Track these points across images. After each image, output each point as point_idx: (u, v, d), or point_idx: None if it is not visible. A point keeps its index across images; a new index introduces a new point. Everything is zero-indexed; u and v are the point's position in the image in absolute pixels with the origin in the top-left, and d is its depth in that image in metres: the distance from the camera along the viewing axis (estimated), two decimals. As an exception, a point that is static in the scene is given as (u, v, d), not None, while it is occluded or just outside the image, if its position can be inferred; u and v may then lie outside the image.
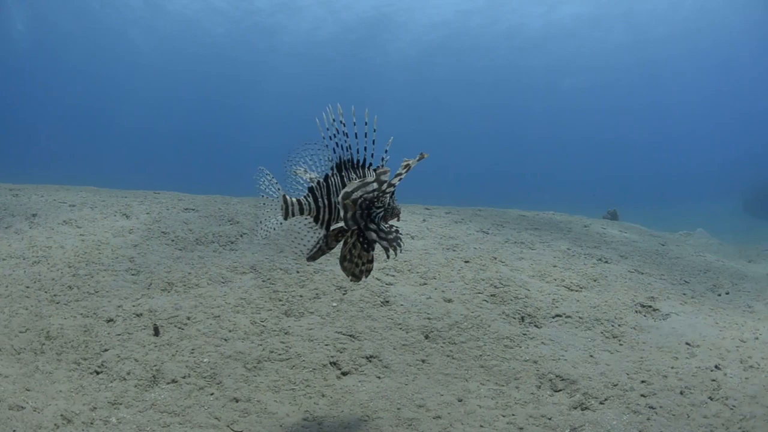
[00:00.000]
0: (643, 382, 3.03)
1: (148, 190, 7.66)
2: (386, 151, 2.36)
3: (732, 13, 29.92)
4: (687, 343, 3.53)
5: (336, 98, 2.43)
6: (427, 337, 3.42)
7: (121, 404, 2.63)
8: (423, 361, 3.16)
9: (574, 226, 7.33)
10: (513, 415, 2.70)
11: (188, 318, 3.42)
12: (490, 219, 6.98)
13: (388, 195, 2.34)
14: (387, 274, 4.25)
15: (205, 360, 3.00)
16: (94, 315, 3.43)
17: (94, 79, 43.37)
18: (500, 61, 38.10)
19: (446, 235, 5.59)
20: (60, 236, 4.72)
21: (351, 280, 2.42)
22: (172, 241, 4.79)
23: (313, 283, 3.97)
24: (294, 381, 2.88)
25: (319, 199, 2.37)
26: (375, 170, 2.33)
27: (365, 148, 2.35)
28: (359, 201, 2.28)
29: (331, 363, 3.06)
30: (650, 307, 4.10)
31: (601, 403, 2.83)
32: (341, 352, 3.16)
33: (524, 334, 3.53)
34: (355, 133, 2.33)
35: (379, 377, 2.98)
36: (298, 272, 4.14)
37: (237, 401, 2.69)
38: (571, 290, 4.34)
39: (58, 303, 3.57)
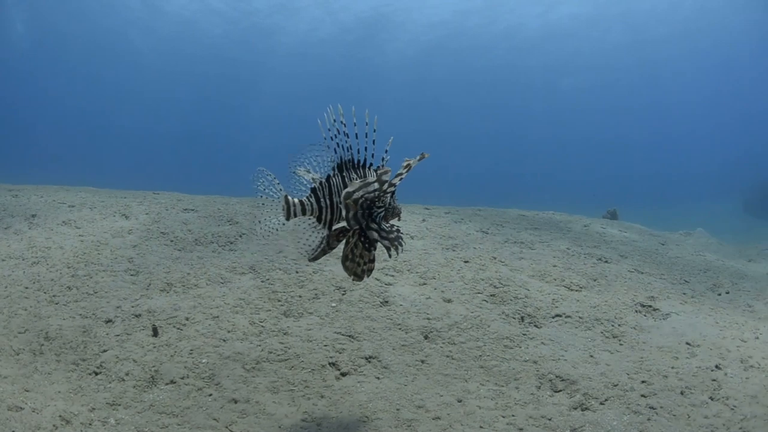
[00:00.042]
0: (643, 382, 3.02)
1: (147, 190, 7.65)
2: (386, 151, 2.37)
3: (732, 13, 29.93)
4: (687, 343, 3.52)
5: (335, 98, 2.44)
6: (426, 337, 3.41)
7: (119, 405, 2.63)
8: (422, 361, 3.15)
9: (574, 225, 7.32)
10: (513, 415, 2.69)
11: (187, 318, 3.41)
12: (489, 219, 6.97)
13: (389, 195, 2.35)
14: (386, 274, 4.24)
15: (203, 361, 3.00)
16: (93, 316, 3.42)
17: (94, 80, 43.40)
18: (499, 61, 38.13)
19: (446, 235, 5.58)
20: (59, 237, 4.72)
21: (353, 280, 2.42)
22: (171, 241, 4.78)
23: (312, 284, 3.96)
24: (293, 382, 2.87)
25: (322, 200, 2.37)
26: (376, 170, 2.34)
27: (365, 149, 2.37)
28: (360, 201, 2.29)
29: (330, 364, 3.05)
30: (650, 306, 4.10)
31: (601, 403, 2.82)
32: (340, 353, 3.15)
33: (524, 334, 3.52)
34: (356, 134, 2.34)
35: (378, 378, 2.97)
36: (297, 272, 4.14)
37: (236, 402, 2.68)
38: (571, 290, 4.34)
39: (57, 304, 3.56)
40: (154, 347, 3.10)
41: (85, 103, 45.86)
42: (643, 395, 2.89)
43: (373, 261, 2.42)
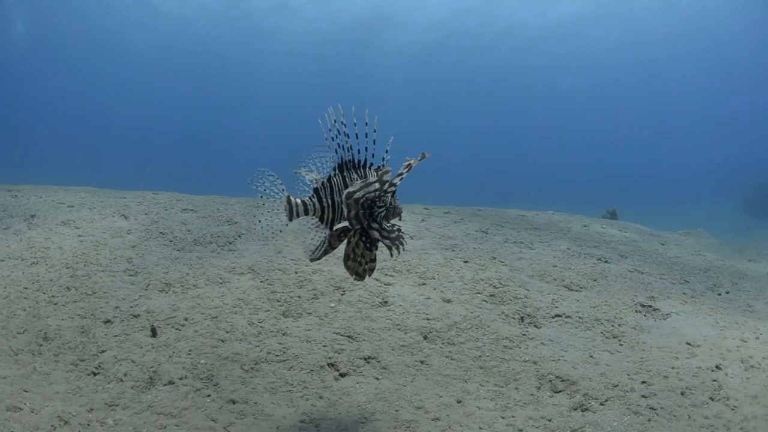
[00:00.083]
0: (643, 382, 3.01)
1: (147, 190, 7.64)
2: (387, 151, 2.38)
3: (732, 13, 29.92)
4: (687, 343, 3.51)
5: (335, 98, 2.44)
6: (425, 337, 3.40)
7: (117, 406, 2.62)
8: (422, 362, 3.14)
9: (574, 225, 7.32)
10: (512, 416, 2.68)
11: (186, 319, 3.40)
12: (489, 219, 6.96)
13: (389, 194, 2.36)
14: (386, 275, 4.23)
15: (202, 361, 2.99)
16: (91, 316, 3.41)
17: (93, 80, 43.40)
18: (499, 60, 38.11)
19: (445, 235, 5.58)
20: (58, 237, 4.71)
21: (354, 279, 2.44)
22: (171, 241, 4.77)
23: (311, 284, 3.95)
24: (291, 383, 2.86)
25: (324, 200, 2.38)
26: (377, 170, 2.34)
27: (366, 148, 2.37)
28: (361, 201, 2.30)
29: (328, 364, 3.04)
30: (650, 306, 4.09)
31: (601, 404, 2.81)
32: (339, 354, 3.14)
33: (524, 335, 3.51)
34: (356, 134, 2.35)
35: (377, 378, 2.96)
36: (296, 273, 4.13)
37: (234, 403, 2.67)
38: (571, 290, 4.33)
39: (56, 304, 3.55)
40: (153, 348, 3.09)
41: (85, 103, 45.89)
42: (643, 396, 2.88)
43: (374, 260, 2.43)
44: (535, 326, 3.67)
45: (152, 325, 3.28)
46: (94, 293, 3.71)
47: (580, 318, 3.80)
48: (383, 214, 2.40)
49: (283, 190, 2.39)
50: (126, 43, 37.26)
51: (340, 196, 2.35)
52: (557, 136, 49.03)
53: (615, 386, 2.96)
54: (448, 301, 3.90)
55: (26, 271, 4.01)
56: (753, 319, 4.03)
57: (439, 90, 44.15)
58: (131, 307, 3.53)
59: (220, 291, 3.80)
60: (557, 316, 3.81)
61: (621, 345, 3.48)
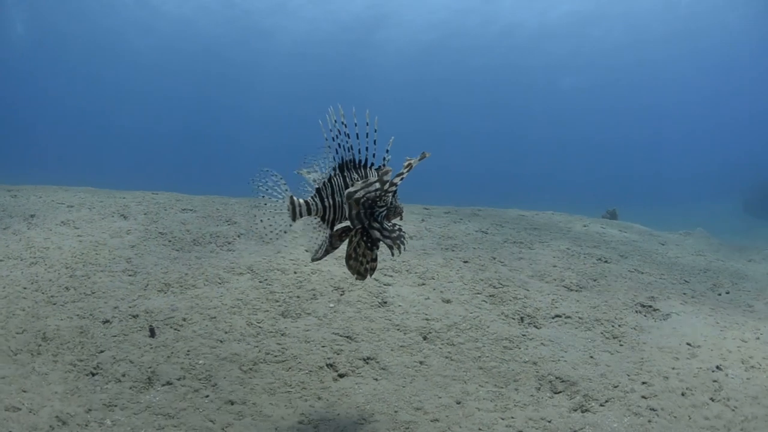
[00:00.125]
0: (644, 383, 3.00)
1: (146, 190, 7.63)
2: (387, 151, 2.38)
3: (732, 12, 29.90)
4: (688, 344, 3.50)
5: (334, 98, 2.44)
6: (425, 338, 3.39)
7: (115, 406, 2.61)
8: (421, 362, 3.13)
9: (574, 225, 7.30)
10: (512, 417, 2.67)
11: (184, 319, 3.39)
12: (489, 219, 6.95)
13: (390, 194, 2.36)
14: (385, 275, 4.22)
15: (200, 362, 2.98)
16: (90, 316, 3.41)
17: (93, 80, 43.40)
18: (498, 60, 38.08)
19: (445, 235, 5.57)
20: (58, 237, 4.70)
21: (356, 278, 2.45)
22: (170, 241, 4.76)
23: (310, 284, 3.94)
24: (290, 383, 2.85)
25: (326, 199, 2.39)
26: (377, 170, 2.35)
27: (366, 149, 2.38)
28: (362, 200, 2.31)
29: (327, 365, 3.03)
30: (650, 307, 4.08)
31: (601, 405, 2.80)
32: (338, 354, 3.13)
33: (523, 335, 3.50)
34: (357, 134, 2.36)
35: (376, 379, 2.95)
36: (295, 273, 4.12)
37: (232, 404, 2.66)
38: (571, 290, 4.32)
39: (55, 304, 3.55)
40: (151, 348, 3.09)
41: (85, 103, 45.88)
42: (643, 396, 2.88)
43: (375, 260, 2.45)
44: (535, 327, 3.66)
45: (151, 326, 3.27)
46: (93, 293, 3.70)
47: (580, 318, 3.79)
48: (384, 213, 2.41)
49: (286, 190, 2.40)
50: (126, 43, 37.27)
51: (341, 196, 2.36)
52: (557, 136, 49.02)
53: (615, 387, 2.95)
54: (448, 301, 3.89)
55: (25, 271, 4.00)
56: (753, 319, 4.02)
57: (438, 90, 44.15)
58: (130, 307, 3.52)
59: (218, 291, 3.79)
60: (557, 316, 3.80)
61: (621, 345, 3.47)
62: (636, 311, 4.00)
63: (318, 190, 2.41)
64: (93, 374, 2.86)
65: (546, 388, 2.96)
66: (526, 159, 49.73)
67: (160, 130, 48.95)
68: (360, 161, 2.40)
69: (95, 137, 47.11)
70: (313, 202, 2.39)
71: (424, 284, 4.14)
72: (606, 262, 5.25)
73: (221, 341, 3.19)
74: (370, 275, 2.45)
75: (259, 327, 3.37)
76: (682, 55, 37.18)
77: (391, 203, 2.43)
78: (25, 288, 3.73)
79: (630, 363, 3.23)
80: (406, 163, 2.23)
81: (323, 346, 3.19)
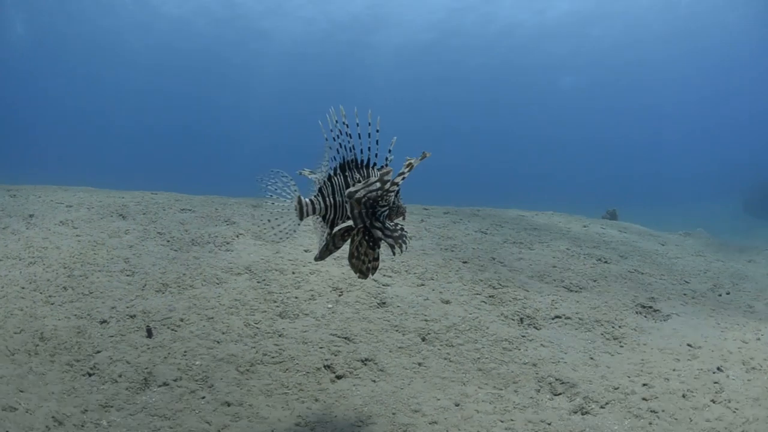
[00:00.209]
0: (644, 385, 2.98)
1: (146, 190, 7.61)
2: (390, 151, 2.39)
3: (732, 12, 29.88)
4: (688, 345, 3.48)
5: (333, 98, 2.45)
6: (424, 339, 3.37)
7: (112, 407, 2.60)
8: (419, 364, 3.11)
9: (573, 226, 7.29)
10: (511, 420, 2.65)
11: (181, 319, 3.37)
12: (488, 219, 6.93)
13: (392, 194, 2.37)
14: (384, 275, 4.20)
15: (197, 363, 2.96)
16: (87, 316, 3.39)
17: (93, 80, 43.41)
18: (498, 59, 38.03)
19: (444, 236, 5.55)
20: (56, 237, 4.68)
21: (358, 277, 2.47)
22: (168, 241, 4.74)
23: (308, 284, 3.92)
24: (287, 385, 2.83)
25: (327, 198, 2.41)
26: (379, 170, 2.35)
27: (369, 148, 2.39)
28: (363, 200, 2.33)
29: (325, 366, 3.01)
30: (651, 307, 4.06)
31: (601, 407, 2.78)
32: (336, 355, 3.11)
33: (523, 336, 3.48)
34: (359, 134, 2.36)
35: (374, 381, 2.93)
36: (293, 273, 4.10)
37: (229, 405, 2.64)
38: (571, 291, 4.30)
39: (52, 304, 3.53)
40: (148, 348, 3.07)
41: (84, 103, 45.90)
42: (644, 398, 2.85)
43: (377, 259, 2.46)
44: (535, 328, 3.64)
45: (148, 326, 3.26)
46: (91, 293, 3.69)
47: (580, 319, 3.77)
48: (386, 213, 2.42)
49: (295, 191, 2.42)
50: (125, 44, 37.28)
51: (342, 195, 2.38)
52: (557, 136, 48.99)
53: (615, 389, 2.93)
54: (447, 302, 3.87)
55: (24, 270, 3.98)
56: (754, 320, 4.00)
57: (437, 89, 44.10)
58: (127, 307, 3.50)
59: (216, 291, 3.77)
60: (557, 317, 3.78)
61: (621, 347, 3.45)
62: (636, 312, 3.99)
63: (320, 189, 2.43)
64: (90, 374, 2.85)
65: (546, 389, 2.94)
66: (526, 159, 49.74)
67: (160, 130, 48.99)
68: (362, 161, 2.41)
69: (95, 137, 47.15)
70: (317, 201, 2.42)
71: (423, 285, 4.12)
72: (606, 262, 5.23)
73: (218, 342, 3.17)
74: (372, 274, 2.46)
75: (257, 328, 3.35)
76: (682, 55, 37.15)
77: (394, 203, 2.44)
78: (23, 288, 3.72)
79: (630, 364, 3.21)
80: (406, 163, 2.24)
81: (321, 347, 3.17)
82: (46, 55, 39.67)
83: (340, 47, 36.62)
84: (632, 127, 47.46)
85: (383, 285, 4.03)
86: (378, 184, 2.25)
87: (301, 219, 2.40)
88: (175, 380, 2.80)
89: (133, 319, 3.36)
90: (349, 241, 2.48)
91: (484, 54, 37.52)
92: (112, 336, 3.18)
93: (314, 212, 2.42)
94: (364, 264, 2.43)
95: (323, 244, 2.48)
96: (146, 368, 2.88)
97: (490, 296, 4.00)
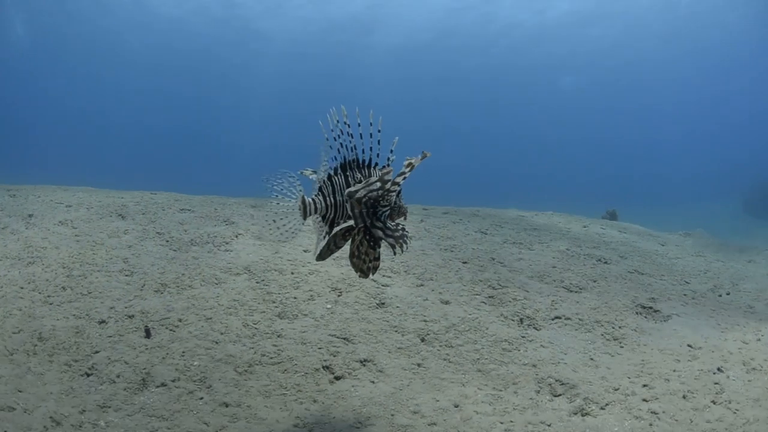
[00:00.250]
0: (644, 386, 2.97)
1: (146, 190, 7.60)
2: (392, 151, 2.39)
3: (732, 12, 29.87)
4: (689, 345, 3.47)
5: (332, 98, 2.46)
6: (423, 340, 3.36)
7: (109, 407, 2.59)
8: (418, 365, 3.10)
9: (573, 226, 7.28)
10: (511, 421, 2.64)
11: (180, 320, 3.36)
12: (488, 219, 6.92)
13: (394, 194, 2.38)
14: (383, 276, 4.19)
15: (195, 363, 2.95)
16: (86, 316, 3.38)
17: (92, 80, 43.43)
18: (497, 59, 38.00)
19: (444, 236, 5.54)
20: (55, 237, 4.67)
21: (359, 276, 2.47)
22: (167, 241, 4.73)
23: (307, 285, 3.91)
24: (285, 385, 2.82)
25: (327, 197, 2.41)
26: (381, 170, 2.36)
27: (371, 148, 2.39)
28: (364, 200, 2.33)
29: (324, 367, 3.00)
30: (651, 308, 4.05)
31: (601, 408, 2.77)
32: (334, 356, 3.10)
33: (523, 337, 3.47)
34: (360, 134, 2.37)
35: (373, 382, 2.92)
36: (292, 273, 4.09)
37: (227, 406, 2.63)
38: (571, 291, 4.29)
39: (51, 304, 3.52)
40: (146, 349, 3.06)
41: (84, 103, 45.91)
42: (644, 399, 2.84)
43: (378, 259, 2.46)
44: (535, 328, 3.63)
45: (146, 326, 3.25)
46: (90, 293, 3.68)
47: (580, 320, 3.76)
48: (387, 213, 2.43)
49: (300, 190, 2.42)
50: (124, 44, 37.29)
51: (342, 195, 2.39)
52: (557, 136, 49.00)
53: (616, 390, 2.92)
54: (447, 302, 3.86)
55: (23, 270, 3.97)
56: (754, 321, 4.00)
57: (437, 89, 44.10)
58: (126, 307, 3.49)
59: (215, 291, 3.76)
60: (557, 317, 3.77)
61: (622, 347, 3.44)
62: (636, 313, 3.97)
63: (319, 189, 2.44)
64: (88, 375, 2.84)
65: (545, 391, 2.93)
66: (526, 159, 49.74)
67: (159, 130, 48.99)
68: (364, 161, 2.41)
69: (94, 137, 47.15)
70: (318, 200, 2.42)
71: (422, 285, 4.11)
72: (606, 263, 5.22)
73: (217, 342, 3.16)
74: (373, 274, 2.47)
75: (255, 328, 3.34)
76: (682, 55, 37.14)
77: (395, 203, 2.44)
78: (22, 288, 3.71)
79: (631, 365, 3.20)
80: (407, 163, 2.23)
81: (320, 348, 3.16)
82: (46, 55, 39.68)
83: (339, 47, 36.62)
84: (632, 127, 47.46)
85: (382, 285, 4.01)
86: (378, 184, 2.25)
87: (305, 218, 2.41)
88: (173, 381, 2.79)
89: (132, 319, 3.35)
90: (350, 240, 2.48)
91: (484, 54, 37.50)
92: (110, 336, 3.17)
93: (316, 211, 2.43)
94: (365, 263, 2.44)
95: (324, 243, 2.48)
96: (144, 369, 2.87)
97: (489, 297, 3.99)
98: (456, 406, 2.74)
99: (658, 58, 37.53)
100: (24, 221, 5.06)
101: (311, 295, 3.77)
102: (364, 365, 3.05)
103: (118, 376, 2.81)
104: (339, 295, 3.79)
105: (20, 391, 2.65)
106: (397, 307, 3.71)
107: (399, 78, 41.82)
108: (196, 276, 3.98)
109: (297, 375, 2.92)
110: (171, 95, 45.82)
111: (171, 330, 3.26)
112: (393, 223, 2.45)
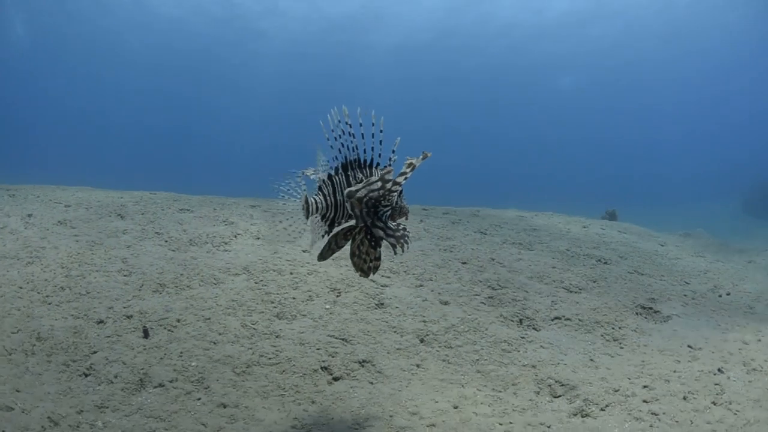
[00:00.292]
0: (645, 387, 2.96)
1: (145, 190, 7.59)
2: (393, 152, 2.39)
3: (732, 12, 29.86)
4: (689, 346, 3.46)
5: (331, 97, 2.46)
6: (422, 340, 3.35)
7: (107, 408, 2.58)
8: (417, 366, 3.09)
9: (573, 226, 7.26)
10: (510, 422, 2.63)
11: (178, 320, 3.35)
12: (488, 219, 6.91)
13: (395, 194, 2.38)
14: (382, 276, 4.18)
15: (193, 364, 2.93)
16: (84, 316, 3.37)
17: (92, 80, 43.41)
18: (496, 59, 37.97)
19: (443, 236, 5.53)
20: (54, 237, 4.66)
21: (360, 275, 2.47)
22: (166, 241, 4.72)
23: (306, 285, 3.90)
24: (283, 386, 2.81)
25: (328, 197, 2.42)
26: (382, 170, 2.35)
27: (372, 149, 2.39)
28: (365, 199, 2.33)
29: (322, 368, 2.99)
30: (651, 309, 4.04)
31: (601, 409, 2.76)
32: (333, 357, 3.08)
33: (522, 338, 3.46)
34: (362, 134, 2.37)
35: (371, 383, 2.91)
36: (291, 274, 4.08)
37: (224, 407, 2.62)
38: (571, 292, 4.28)
39: (50, 304, 3.51)
40: (144, 349, 3.05)
41: (84, 103, 45.88)
42: (644, 401, 2.83)
43: (378, 259, 2.46)
44: (534, 329, 3.62)
45: (144, 326, 3.23)
46: (88, 293, 3.66)
47: (580, 320, 3.75)
48: (389, 213, 2.43)
49: (303, 190, 2.43)
50: (124, 44, 37.28)
51: (343, 194, 2.39)
52: (556, 136, 48.97)
53: (616, 391, 2.91)
54: (446, 303, 3.85)
55: (21, 270, 3.96)
56: (754, 321, 3.99)
57: (436, 89, 44.07)
58: (124, 307, 3.48)
59: (214, 292, 3.75)
60: (557, 318, 3.76)
61: (621, 348, 3.43)
62: (636, 313, 3.96)
63: (319, 188, 2.44)
64: (86, 375, 2.83)
65: (545, 392, 2.92)
66: (525, 159, 49.70)
67: (159, 130, 48.97)
68: (365, 161, 2.41)
69: (94, 137, 47.13)
70: (320, 200, 2.43)
71: (421, 285, 4.10)
72: (606, 263, 5.20)
73: (215, 343, 3.14)
74: (373, 273, 2.47)
75: (254, 329, 3.32)
76: (681, 55, 37.12)
77: (396, 203, 2.44)
78: (20, 288, 3.70)
79: (631, 366, 3.19)
80: (407, 163, 2.23)
81: (318, 349, 3.15)
82: (46, 55, 39.66)
83: (338, 47, 36.61)
84: (632, 128, 47.42)
85: (381, 286, 4.00)
86: (379, 183, 2.25)
87: (308, 218, 2.42)
88: (170, 381, 2.78)
89: (130, 319, 3.34)
90: (350, 240, 2.48)
91: (483, 53, 37.48)
92: (108, 336, 3.16)
93: (318, 211, 2.43)
94: (365, 263, 2.44)
95: (324, 243, 2.48)
96: (142, 369, 2.86)
97: (489, 297, 3.97)
98: (455, 407, 2.73)
99: (658, 58, 37.51)
100: (23, 221, 5.05)
101: (310, 296, 3.76)
102: (363, 366, 3.04)
103: (115, 377, 2.80)
104: (338, 296, 3.78)
105: (18, 391, 2.64)
106: (396, 307, 3.69)
107: (399, 78, 41.79)
108: (194, 276, 3.97)
109: (295, 376, 2.91)
110: (171, 95, 45.79)
111: (169, 330, 3.25)
112: (394, 223, 2.45)
